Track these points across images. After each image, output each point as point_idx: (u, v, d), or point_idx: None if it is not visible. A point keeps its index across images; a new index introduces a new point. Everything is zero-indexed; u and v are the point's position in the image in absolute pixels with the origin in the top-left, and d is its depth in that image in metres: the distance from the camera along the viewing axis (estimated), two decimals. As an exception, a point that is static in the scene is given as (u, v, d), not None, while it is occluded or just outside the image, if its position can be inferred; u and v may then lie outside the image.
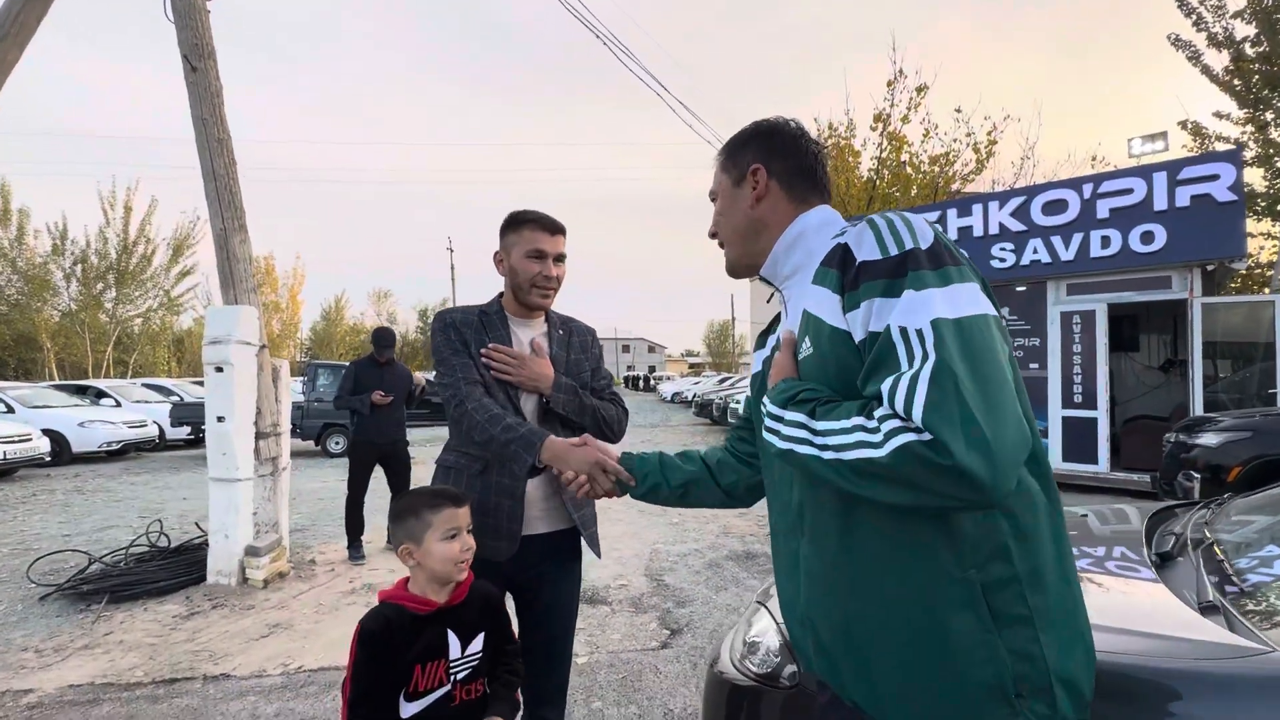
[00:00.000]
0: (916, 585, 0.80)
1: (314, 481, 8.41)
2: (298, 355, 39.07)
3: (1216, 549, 1.47)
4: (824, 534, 0.89)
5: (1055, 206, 7.42)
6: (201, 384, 4.05)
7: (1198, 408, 6.58)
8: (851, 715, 0.88)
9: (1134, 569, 1.47)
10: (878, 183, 12.02)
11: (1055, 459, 7.20)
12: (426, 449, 9.76)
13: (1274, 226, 12.14)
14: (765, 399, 0.92)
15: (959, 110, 11.76)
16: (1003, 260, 7.73)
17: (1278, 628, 1.09)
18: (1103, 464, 7.11)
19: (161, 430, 12.05)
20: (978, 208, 8.07)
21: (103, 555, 4.36)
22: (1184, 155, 9.57)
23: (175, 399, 13.47)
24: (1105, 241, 7.05)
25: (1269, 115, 11.07)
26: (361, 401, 4.70)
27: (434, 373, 1.69)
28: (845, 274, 0.84)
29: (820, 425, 0.79)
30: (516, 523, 1.57)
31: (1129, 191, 6.94)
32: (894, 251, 0.80)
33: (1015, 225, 7.69)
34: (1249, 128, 11.28)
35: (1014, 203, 7.76)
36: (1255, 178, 11.41)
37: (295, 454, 10.49)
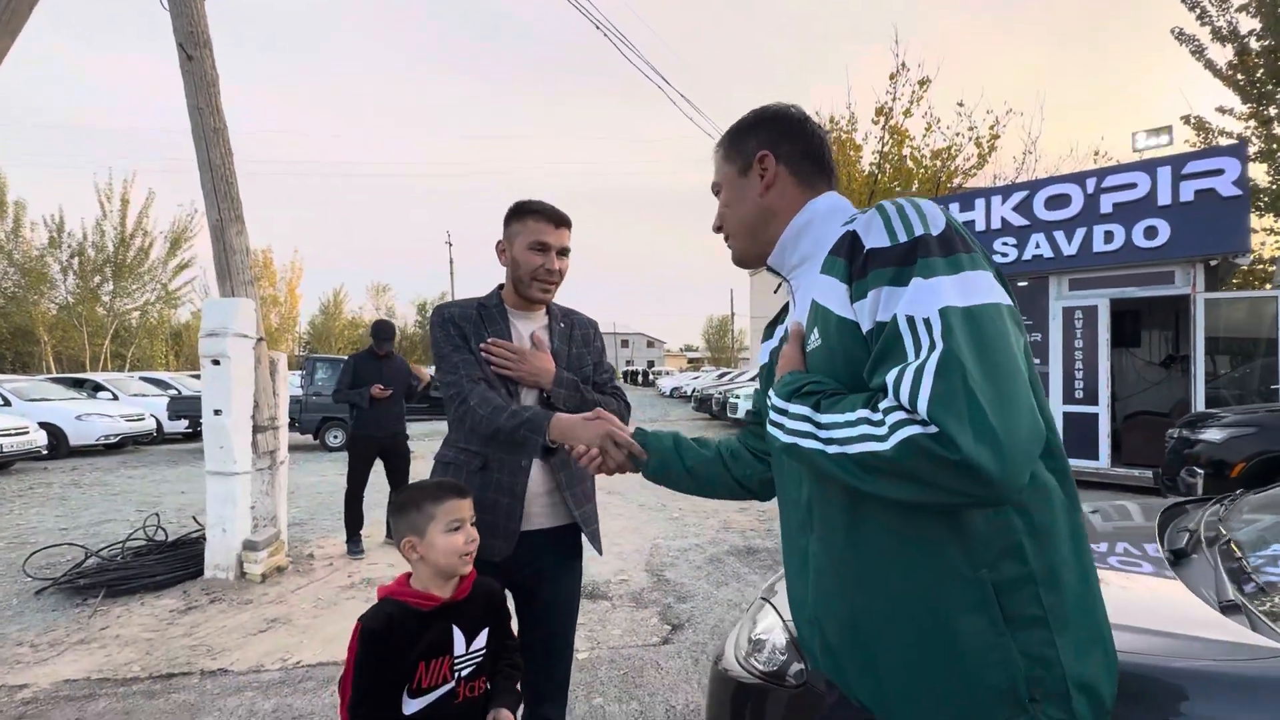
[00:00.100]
0: (924, 584, 0.77)
1: (312, 475, 8.39)
2: (296, 349, 39.00)
3: (1234, 546, 1.44)
4: (831, 531, 0.87)
5: (1058, 201, 7.37)
6: (199, 377, 4.01)
7: (1199, 404, 6.56)
8: (859, 716, 0.86)
9: (1149, 566, 1.44)
10: (879, 177, 11.95)
11: (1056, 455, 7.16)
12: (426, 443, 9.72)
13: (1276, 222, 12.10)
14: (770, 392, 0.89)
15: (961, 104, 11.70)
16: (1005, 255, 7.70)
17: (1302, 628, 1.06)
18: (1104, 460, 7.10)
19: (159, 423, 12.03)
20: (980, 202, 8.02)
21: (99, 549, 4.33)
22: (1188, 150, 9.52)
23: (173, 392, 13.41)
24: (1108, 236, 7.02)
25: (1273, 110, 11.01)
26: (360, 395, 4.67)
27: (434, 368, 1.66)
28: (853, 262, 0.81)
29: (825, 418, 0.77)
30: (515, 521, 1.54)
31: (1133, 186, 6.90)
32: (903, 238, 0.76)
33: (1018, 220, 7.65)
34: (1252, 122, 11.22)
35: (1016, 197, 7.71)
36: (1259, 173, 11.36)
37: (293, 448, 10.47)
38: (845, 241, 0.83)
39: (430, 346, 1.66)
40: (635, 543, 4.96)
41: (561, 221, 1.61)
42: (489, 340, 1.59)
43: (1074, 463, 7.20)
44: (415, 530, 1.27)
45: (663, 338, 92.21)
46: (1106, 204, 7.04)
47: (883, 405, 0.71)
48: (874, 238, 0.79)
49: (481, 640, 1.31)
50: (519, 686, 1.40)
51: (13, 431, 8.96)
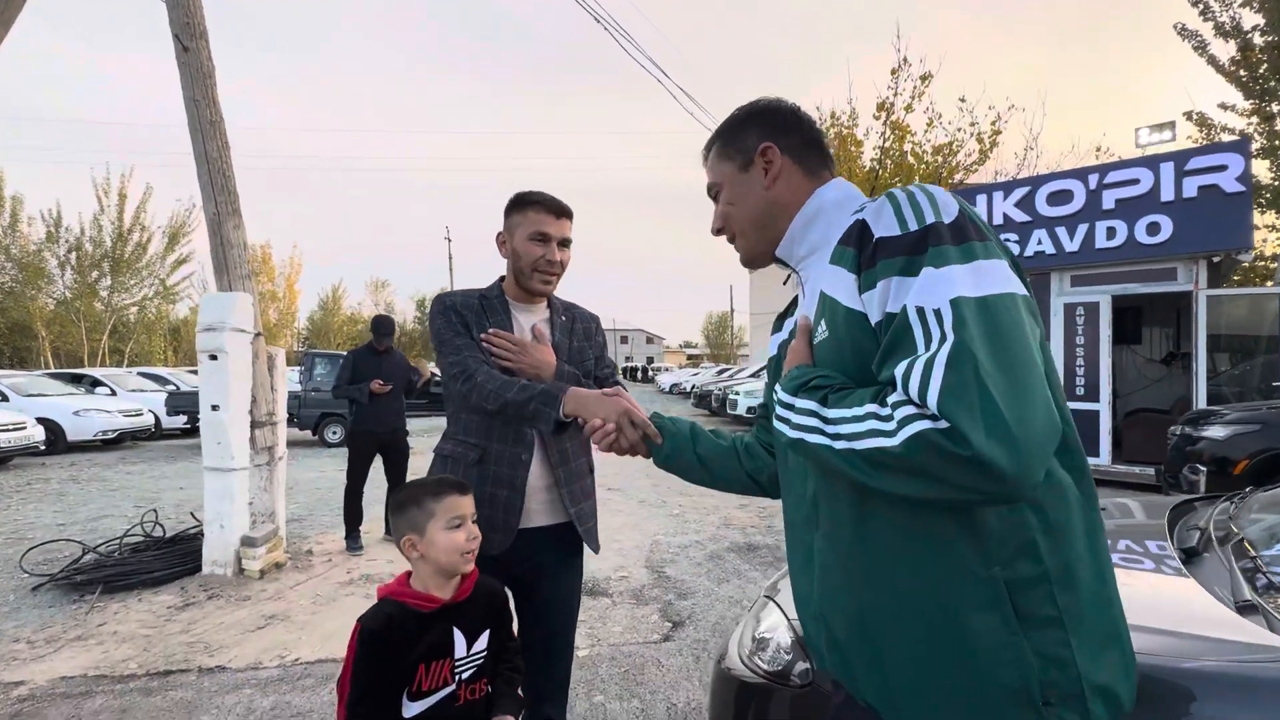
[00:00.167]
0: (934, 581, 0.75)
1: (311, 471, 8.36)
2: (295, 345, 38.94)
3: (1247, 545, 1.41)
4: (838, 527, 0.85)
5: (1060, 197, 7.34)
6: (197, 373, 3.98)
7: (1201, 401, 6.54)
8: (865, 716, 0.84)
9: (1161, 564, 1.42)
10: (880, 173, 11.91)
11: (1057, 451, 7.15)
12: (425, 439, 9.70)
13: (1278, 219, 12.07)
14: (776, 386, 0.87)
15: (963, 100, 11.65)
16: (1007, 251, 7.66)
17: (1321, 628, 1.04)
18: (1104, 457, 7.09)
19: (157, 419, 11.99)
20: (981, 198, 7.99)
21: (97, 545, 4.31)
22: (1191, 146, 9.49)
23: (171, 388, 13.39)
24: (1111, 233, 6.99)
25: (1275, 107, 10.97)
26: (360, 390, 4.64)
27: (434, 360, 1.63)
28: (862, 252, 0.78)
29: (832, 413, 0.75)
30: (514, 515, 1.51)
31: (1135, 182, 6.86)
32: (914, 226, 0.74)
33: (1020, 216, 7.62)
34: (1254, 119, 11.18)
35: (1019, 193, 7.68)
36: (1260, 170, 11.33)
37: (292, 443, 10.43)
38: (854, 230, 0.81)
39: (430, 334, 1.63)
40: (635, 539, 4.94)
41: (562, 212, 1.59)
42: (490, 330, 1.57)
43: (1075, 460, 7.17)
44: (415, 528, 1.24)
45: (662, 334, 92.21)
46: (1109, 200, 7.01)
47: (891, 399, 0.69)
48: (884, 226, 0.76)
49: (483, 642, 1.29)
50: (520, 690, 1.38)
51: (10, 427, 8.93)
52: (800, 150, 0.99)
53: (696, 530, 5.22)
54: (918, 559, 0.76)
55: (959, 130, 11.71)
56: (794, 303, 1.09)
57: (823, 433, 0.75)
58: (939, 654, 0.75)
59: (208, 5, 4.23)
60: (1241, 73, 10.93)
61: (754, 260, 1.06)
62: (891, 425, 0.67)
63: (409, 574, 1.30)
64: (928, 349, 0.68)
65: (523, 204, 1.59)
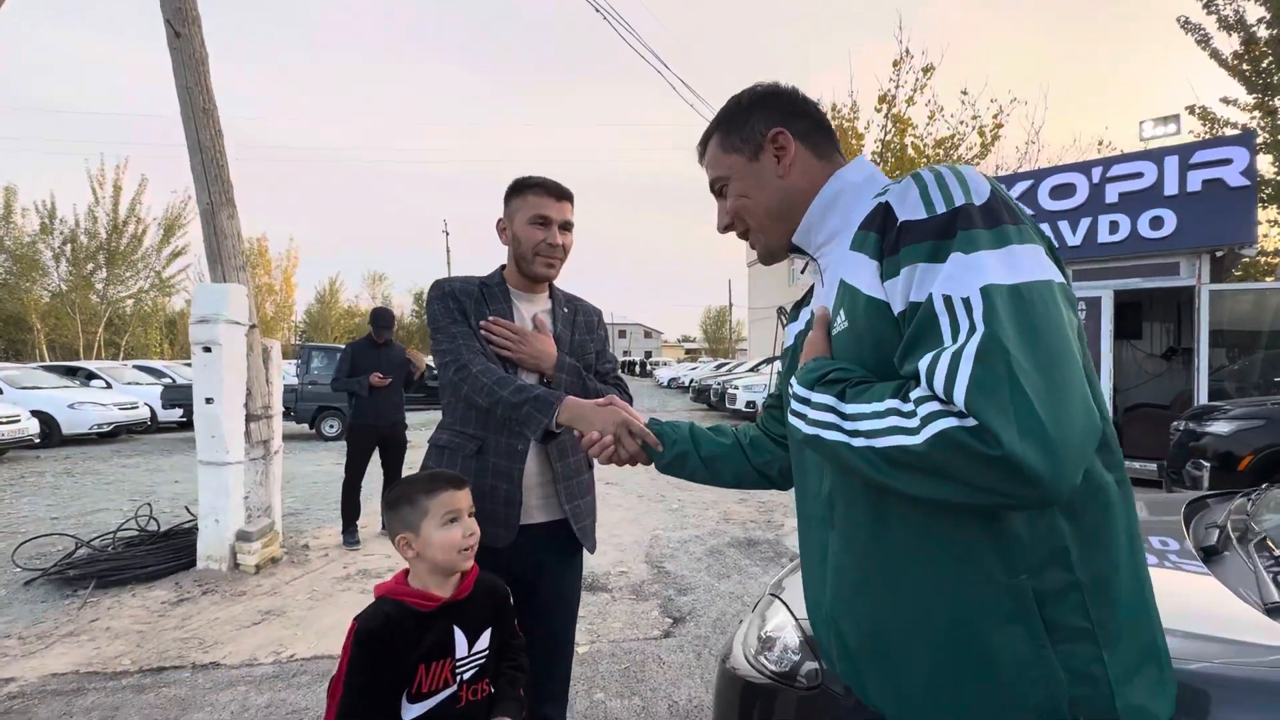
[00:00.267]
0: (956, 590, 0.70)
1: (308, 465, 8.31)
2: (292, 338, 38.80)
3: (1270, 543, 1.37)
4: (854, 527, 0.80)
5: (1063, 190, 7.29)
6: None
7: (1202, 396, 6.52)
8: None
9: (1180, 563, 1.38)
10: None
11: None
12: (423, 433, 9.65)
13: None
14: (793, 381, 0.82)
15: (965, 92, 11.57)
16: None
17: (1356, 632, 1.00)
18: (1105, 452, 7.06)
19: (153, 412, 11.91)
20: (984, 191, 7.93)
21: (91, 539, 4.26)
22: (1194, 140, 9.44)
23: (167, 381, 13.31)
24: (1114, 227, 6.94)
25: (1278, 101, 10.90)
26: (359, 383, 4.60)
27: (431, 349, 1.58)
28: (885, 237, 0.73)
29: (850, 409, 0.70)
30: (514, 508, 1.47)
31: (1139, 176, 6.81)
32: (941, 209, 0.68)
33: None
34: (1257, 113, 11.12)
35: (1021, 186, 7.62)
36: (1263, 164, 11.28)
37: (289, 437, 10.36)
38: (877, 214, 0.76)
39: (427, 320, 1.58)
40: (634, 534, 4.91)
41: (563, 195, 1.54)
42: (490, 319, 1.52)
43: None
44: (409, 526, 1.20)
45: (660, 328, 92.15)
46: (1112, 193, 6.96)
47: (914, 395, 0.64)
48: (909, 209, 0.71)
49: (484, 641, 1.24)
50: (522, 689, 1.34)
51: (4, 420, 8.85)
52: (811, 134, 0.93)
53: (696, 525, 5.19)
54: (938, 564, 0.71)
55: (961, 123, 11.64)
56: (811, 291, 1.04)
57: (840, 429, 0.70)
58: (959, 666, 0.70)
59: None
60: (1244, 67, 10.85)
61: (773, 254, 1.00)
62: (914, 422, 0.63)
63: (407, 571, 1.25)
64: (955, 341, 0.63)
65: (522, 188, 1.54)
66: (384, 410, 4.73)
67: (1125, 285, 7.05)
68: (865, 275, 0.75)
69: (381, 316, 4.87)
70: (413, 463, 4.21)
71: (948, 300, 0.64)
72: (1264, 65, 10.67)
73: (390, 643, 1.13)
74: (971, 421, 0.58)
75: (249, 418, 4.10)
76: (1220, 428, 4.44)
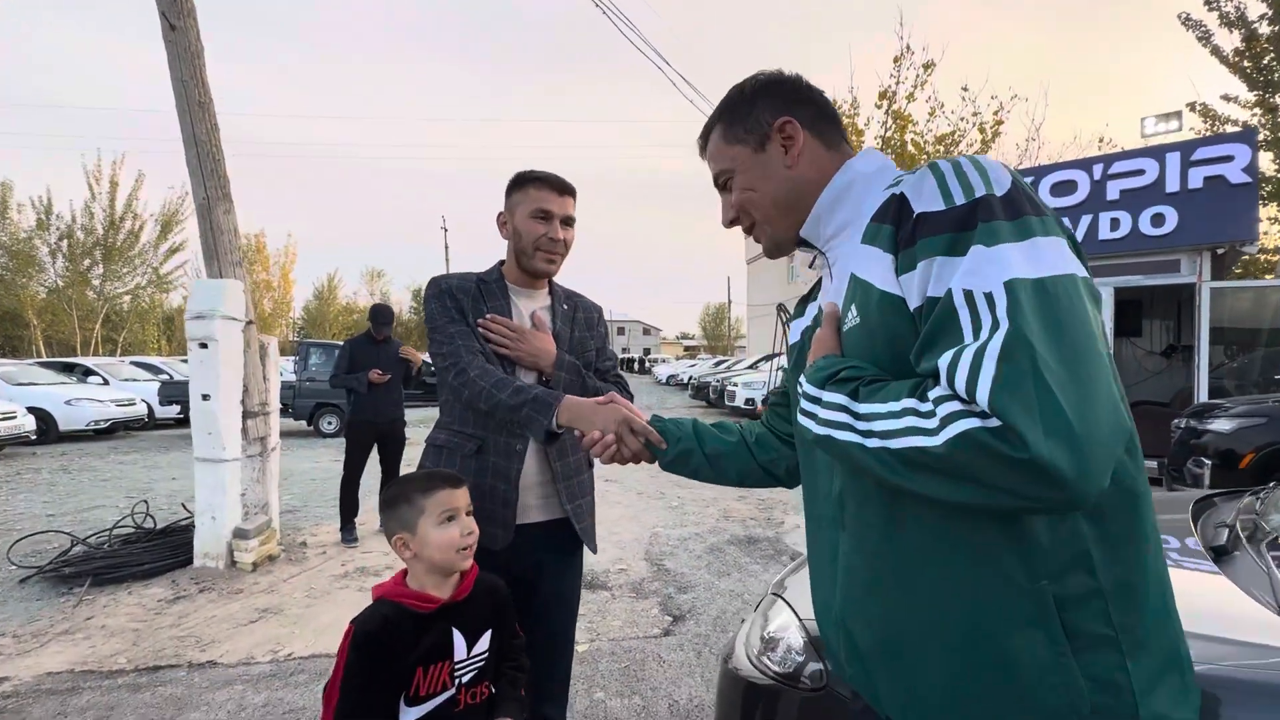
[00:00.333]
0: (974, 595, 0.68)
1: (306, 462, 8.28)
2: (290, 335, 38.72)
3: (1282, 543, 1.35)
4: (866, 529, 0.77)
5: (1064, 187, 7.27)
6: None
7: (1203, 394, 6.51)
8: None
9: (1189, 562, 1.36)
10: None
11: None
12: (422, 429, 9.63)
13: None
14: (801, 378, 0.79)
15: (965, 88, 11.53)
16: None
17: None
18: (1104, 449, 7.05)
19: (151, 409, 11.88)
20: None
21: (87, 536, 4.23)
22: (1195, 136, 9.41)
23: (164, 377, 13.25)
24: (1114, 224, 6.92)
25: (1279, 98, 10.88)
26: (358, 380, 4.57)
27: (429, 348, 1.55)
28: (900, 229, 0.70)
29: (864, 408, 0.67)
30: (512, 508, 1.45)
31: (1140, 173, 6.79)
32: (960, 200, 0.66)
33: (1023, 206, 7.54)
34: (1258, 110, 11.10)
35: (1022, 183, 7.59)
36: (1263, 161, 11.26)
37: (287, 434, 10.36)
38: (891, 205, 0.73)
39: (424, 318, 1.55)
40: (634, 531, 4.89)
41: (565, 189, 1.51)
42: (487, 316, 1.49)
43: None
44: (406, 526, 1.17)
45: (659, 325, 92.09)
46: (1113, 190, 6.94)
47: (933, 394, 0.61)
48: (925, 200, 0.68)
49: (484, 643, 1.22)
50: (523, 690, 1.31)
51: (1, 416, 8.81)
52: (818, 122, 0.90)
53: (696, 522, 5.17)
54: (955, 568, 0.69)
55: (961, 119, 11.61)
56: (818, 285, 1.01)
57: (853, 429, 0.68)
58: (975, 673, 0.68)
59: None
60: (1245, 64, 10.83)
61: (780, 248, 0.97)
62: (933, 423, 0.60)
63: (406, 572, 1.23)
64: (976, 338, 0.60)
65: (524, 181, 1.51)
66: (383, 407, 4.70)
67: (1126, 282, 7.04)
68: (878, 269, 0.72)
69: (381, 313, 4.84)
70: (411, 459, 4.19)
71: (968, 295, 0.62)
72: (1265, 62, 10.65)
73: (388, 645, 1.11)
74: (995, 422, 0.56)
75: (246, 414, 4.07)
76: (1221, 425, 4.43)
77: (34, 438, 9.52)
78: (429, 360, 4.95)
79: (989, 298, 0.60)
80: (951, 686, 0.70)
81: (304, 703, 2.46)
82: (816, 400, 0.74)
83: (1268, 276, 12.12)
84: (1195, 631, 1.01)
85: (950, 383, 0.60)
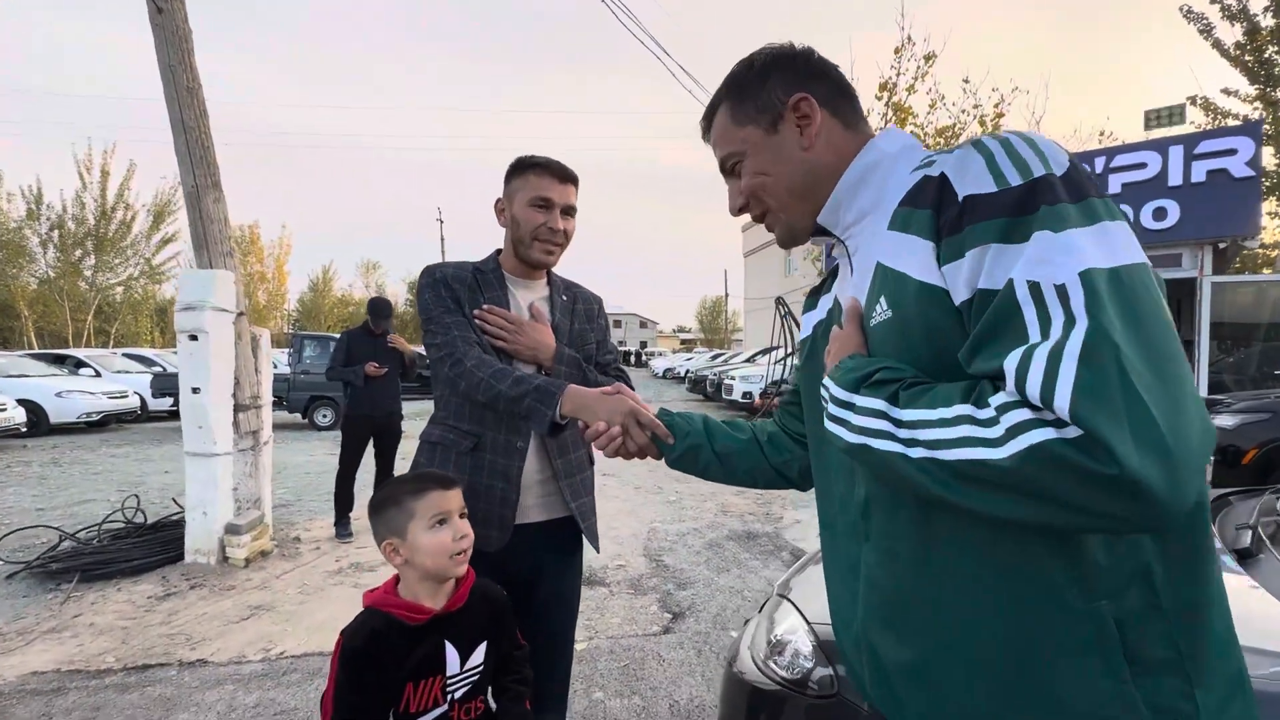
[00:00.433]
0: (1022, 615, 0.62)
1: (300, 455, 8.20)
2: (285, 327, 38.48)
3: (1311, 547, 1.31)
4: (896, 541, 0.71)
5: (1066, 180, 7.20)
6: (181, 354, 3.82)
7: (1202, 389, 6.49)
8: None
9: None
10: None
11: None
12: (419, 422, 9.56)
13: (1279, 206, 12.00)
14: (827, 382, 0.72)
15: (966, 81, 11.43)
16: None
17: None
18: (1103, 444, 7.04)
19: (143, 401, 11.76)
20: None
21: (76, 531, 4.16)
22: (1196, 130, 9.35)
23: (157, 369, 13.13)
24: (1116, 217, 6.87)
25: (1280, 92, 10.83)
26: (355, 373, 4.50)
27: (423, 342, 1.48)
28: (942, 213, 0.63)
29: (906, 414, 0.61)
30: (510, 509, 1.39)
31: (1143, 166, 6.74)
32: (1016, 181, 0.59)
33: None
34: (1258, 104, 11.05)
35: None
36: (1265, 156, 11.22)
37: (281, 427, 10.26)
38: (929, 188, 0.66)
39: (418, 309, 1.49)
40: (632, 526, 4.85)
41: (566, 177, 1.44)
42: (484, 307, 1.43)
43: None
44: (395, 530, 1.11)
45: (655, 318, 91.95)
46: (1115, 184, 6.88)
47: (995, 400, 0.55)
48: (973, 181, 0.61)
49: (478, 656, 1.16)
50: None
51: (-10, 408, 8.71)
52: (835, 99, 0.83)
53: (694, 517, 5.13)
54: (999, 585, 0.63)
55: (962, 112, 11.50)
56: (831, 275, 0.95)
57: (894, 437, 0.61)
58: (1021, 701, 0.62)
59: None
60: (1247, 57, 10.77)
61: (796, 237, 0.89)
62: (995, 432, 0.54)
63: (398, 578, 1.17)
64: (1045, 336, 0.53)
65: (524, 167, 1.44)
66: (380, 400, 4.64)
67: (1127, 277, 6.99)
68: (915, 258, 0.66)
69: (380, 306, 4.76)
70: (407, 453, 4.12)
71: (1034, 287, 0.55)
72: (1267, 55, 10.59)
73: (376, 659, 1.05)
74: (1074, 432, 0.50)
75: (237, 408, 4.00)
76: (1224, 421, 4.40)
77: (24, 430, 9.41)
78: (422, 352, 4.84)
79: (1061, 290, 0.54)
80: (994, 715, 0.64)
81: (296, 703, 2.41)
82: (848, 405, 0.67)
83: (1266, 270, 12.11)
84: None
85: (1020, 387, 0.53)
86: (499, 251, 1.56)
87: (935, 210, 0.64)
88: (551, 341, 1.46)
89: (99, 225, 25.09)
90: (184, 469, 3.88)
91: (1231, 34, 10.82)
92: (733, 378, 13.35)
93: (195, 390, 3.78)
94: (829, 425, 0.71)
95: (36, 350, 17.41)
